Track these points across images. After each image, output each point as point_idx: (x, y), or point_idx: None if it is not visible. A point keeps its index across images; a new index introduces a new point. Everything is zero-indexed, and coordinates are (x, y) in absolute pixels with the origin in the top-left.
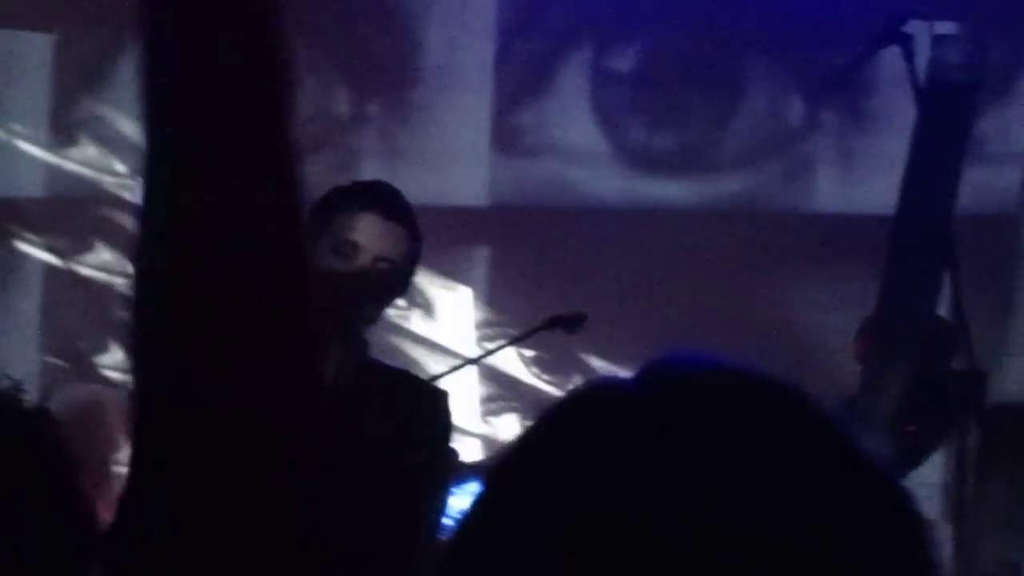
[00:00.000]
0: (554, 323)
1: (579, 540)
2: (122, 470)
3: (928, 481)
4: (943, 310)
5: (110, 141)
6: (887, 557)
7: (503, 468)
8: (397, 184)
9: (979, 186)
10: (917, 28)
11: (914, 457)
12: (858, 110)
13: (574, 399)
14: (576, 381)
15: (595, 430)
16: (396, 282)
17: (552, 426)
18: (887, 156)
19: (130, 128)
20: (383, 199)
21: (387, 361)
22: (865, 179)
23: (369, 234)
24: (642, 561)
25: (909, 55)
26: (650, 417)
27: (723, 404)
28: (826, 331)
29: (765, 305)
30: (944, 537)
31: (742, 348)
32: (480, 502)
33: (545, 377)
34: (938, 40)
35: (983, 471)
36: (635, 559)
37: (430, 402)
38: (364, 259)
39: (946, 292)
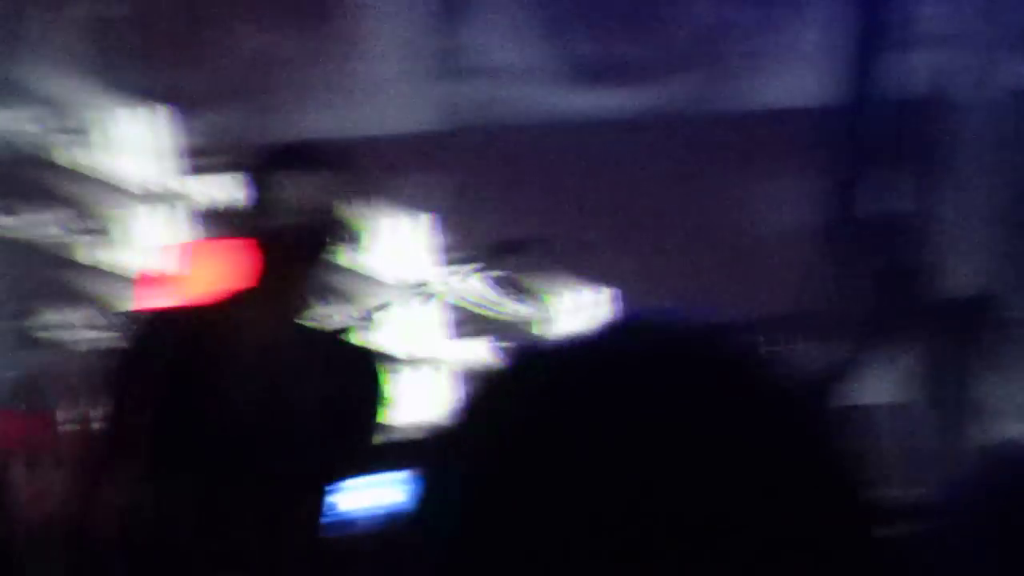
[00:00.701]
0: (500, 250)
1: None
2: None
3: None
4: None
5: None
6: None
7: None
8: (332, 117)
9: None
10: None
11: (875, 357)
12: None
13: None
14: (539, 297)
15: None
16: (327, 230)
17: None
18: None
19: (50, 88)
20: (295, 154)
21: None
22: (786, 74)
23: (287, 191)
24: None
25: None
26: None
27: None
28: (781, 227)
29: (716, 206)
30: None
31: (703, 252)
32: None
33: (512, 295)
34: None
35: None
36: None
37: (358, 364)
38: (288, 215)
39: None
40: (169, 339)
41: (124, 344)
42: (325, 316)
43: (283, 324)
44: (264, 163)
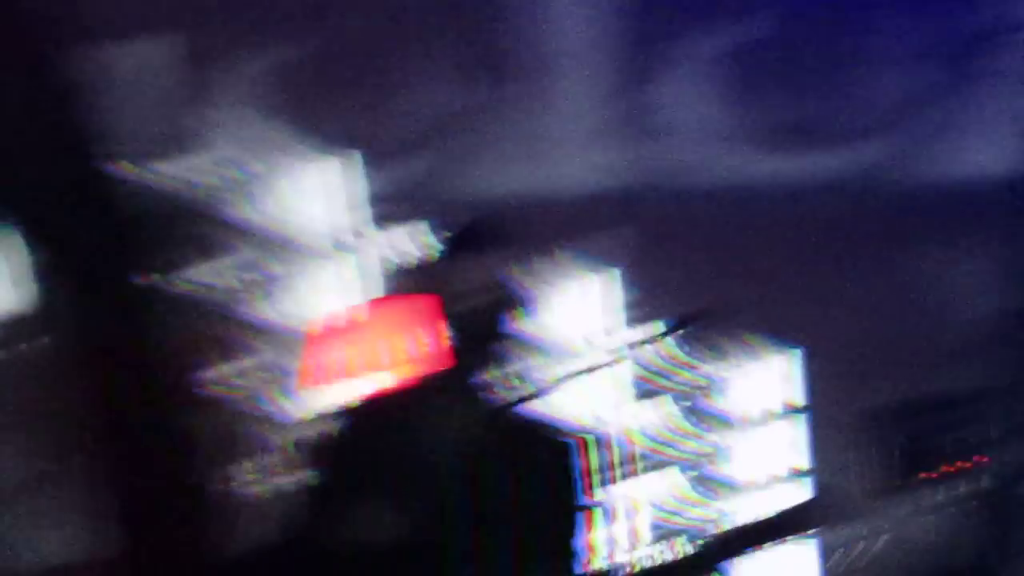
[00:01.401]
0: (681, 324)
1: None
2: None
3: None
4: None
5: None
6: None
7: None
8: (513, 174)
9: None
10: None
11: None
12: (993, 71)
13: None
14: (731, 358)
15: None
16: (502, 309)
17: None
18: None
19: (231, 137)
20: (462, 239)
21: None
22: (998, 142)
23: (460, 277)
24: None
25: None
26: None
27: None
28: (975, 301)
29: (911, 277)
30: None
31: (892, 324)
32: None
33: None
34: None
35: None
36: None
37: (553, 454)
38: (463, 301)
39: None
40: (376, 427)
41: (334, 432)
42: (510, 386)
43: (478, 404)
44: (454, 242)
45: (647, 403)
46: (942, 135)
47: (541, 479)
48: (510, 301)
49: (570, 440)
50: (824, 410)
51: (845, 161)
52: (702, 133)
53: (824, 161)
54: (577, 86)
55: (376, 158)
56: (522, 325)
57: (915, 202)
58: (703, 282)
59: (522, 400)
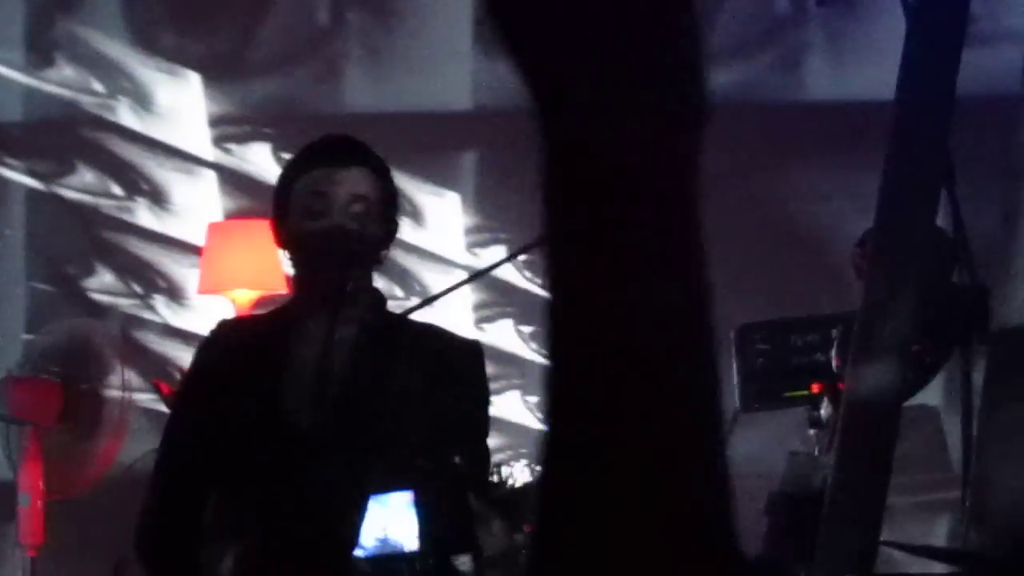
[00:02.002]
0: (523, 250)
1: None
2: (114, 395)
3: (930, 403)
4: (941, 220)
5: (87, 60)
6: None
7: None
8: (379, 89)
9: (975, 68)
10: None
11: (919, 378)
12: None
13: None
14: None
15: None
16: (376, 221)
17: None
18: (878, 41)
19: (106, 46)
20: (333, 148)
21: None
22: (856, 65)
23: (330, 183)
24: None
25: None
26: None
27: None
28: (832, 221)
29: (767, 198)
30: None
31: (748, 243)
32: None
33: (538, 281)
34: None
35: (990, 396)
36: None
37: (464, 357)
38: (335, 207)
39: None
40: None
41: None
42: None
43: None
44: (298, 165)
45: (485, 326)
46: (799, 58)
47: (453, 378)
48: (384, 213)
49: (478, 345)
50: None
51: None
52: None
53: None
54: (441, 3)
55: (239, 76)
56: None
57: (772, 124)
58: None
59: (413, 309)
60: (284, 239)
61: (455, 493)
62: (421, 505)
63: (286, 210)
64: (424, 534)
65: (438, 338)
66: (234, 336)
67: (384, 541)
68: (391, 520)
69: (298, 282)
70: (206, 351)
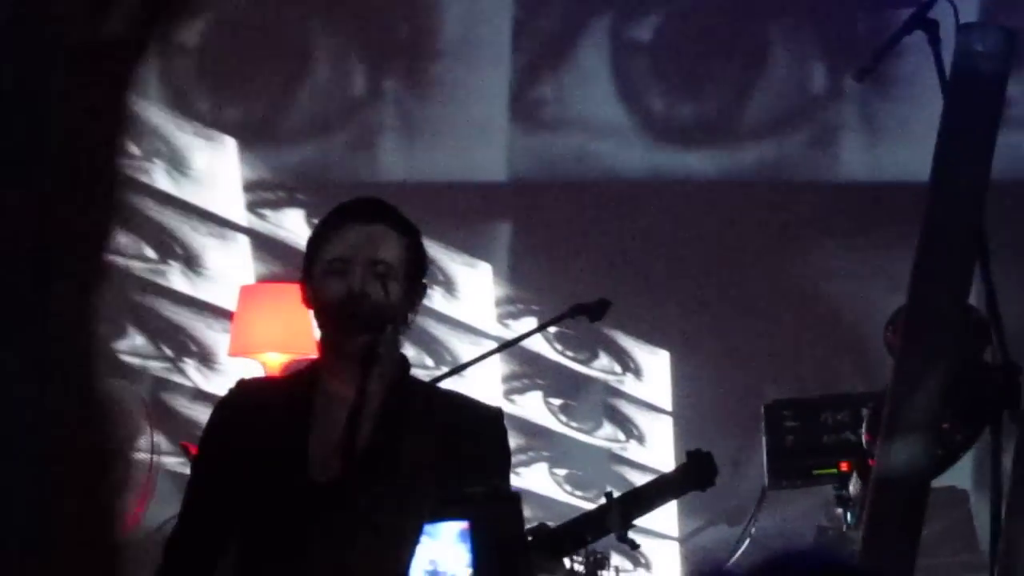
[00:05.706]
0: (577, 311)
1: None
2: (142, 457)
3: (960, 486)
4: (974, 299)
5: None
6: None
7: None
8: (415, 161)
9: (1010, 151)
10: (942, 14)
11: (949, 456)
12: (883, 77)
13: None
14: (600, 358)
15: None
16: (400, 283)
17: None
18: (912, 123)
19: (143, 109)
20: (359, 208)
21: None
22: (890, 146)
23: (353, 244)
24: None
25: (935, 41)
26: None
27: None
28: (864, 301)
29: (798, 276)
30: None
31: (777, 322)
32: None
33: (568, 354)
34: (964, 28)
35: (1018, 476)
36: None
37: (483, 422)
38: (356, 269)
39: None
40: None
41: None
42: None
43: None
44: (324, 226)
45: (515, 397)
46: (840, 135)
47: (473, 443)
48: (416, 280)
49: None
50: (706, 408)
51: (738, 158)
52: (601, 126)
53: (719, 157)
54: (480, 76)
55: (273, 142)
56: (425, 304)
57: (804, 203)
58: (583, 277)
59: (442, 378)
60: (309, 301)
61: (514, 521)
62: (476, 533)
63: (312, 272)
64: (479, 564)
65: (459, 403)
66: (256, 396)
67: (433, 574)
68: (440, 551)
69: (322, 344)
70: (224, 409)
